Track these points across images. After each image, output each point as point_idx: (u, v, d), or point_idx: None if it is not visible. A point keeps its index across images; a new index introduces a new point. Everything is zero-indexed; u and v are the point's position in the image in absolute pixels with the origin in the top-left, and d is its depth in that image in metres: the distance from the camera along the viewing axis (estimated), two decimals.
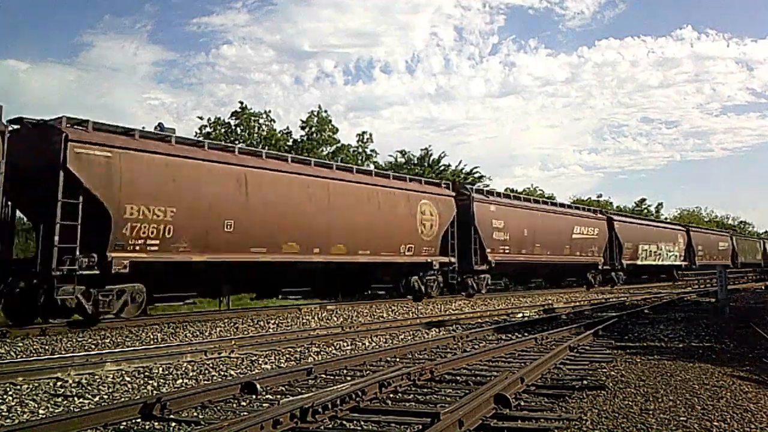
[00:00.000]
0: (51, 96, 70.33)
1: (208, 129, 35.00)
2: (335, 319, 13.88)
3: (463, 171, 41.99)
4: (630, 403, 5.34)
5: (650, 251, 34.12)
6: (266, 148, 31.01)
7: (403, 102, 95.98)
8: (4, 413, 5.22)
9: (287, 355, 8.38)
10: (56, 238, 10.75)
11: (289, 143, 36.30)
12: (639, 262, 32.87)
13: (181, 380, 6.72)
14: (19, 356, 8.45)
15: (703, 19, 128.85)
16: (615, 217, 31.67)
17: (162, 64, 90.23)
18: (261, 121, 36.28)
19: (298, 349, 8.87)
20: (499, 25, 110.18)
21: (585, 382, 6.21)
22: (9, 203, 11.77)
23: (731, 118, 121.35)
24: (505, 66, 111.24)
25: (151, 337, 10.56)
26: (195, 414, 5.11)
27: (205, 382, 6.60)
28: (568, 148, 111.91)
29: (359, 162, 35.85)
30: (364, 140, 39.18)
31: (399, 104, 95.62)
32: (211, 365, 7.56)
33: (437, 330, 11.54)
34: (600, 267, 29.05)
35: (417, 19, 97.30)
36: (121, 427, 4.73)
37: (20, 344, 9.51)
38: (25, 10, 78.86)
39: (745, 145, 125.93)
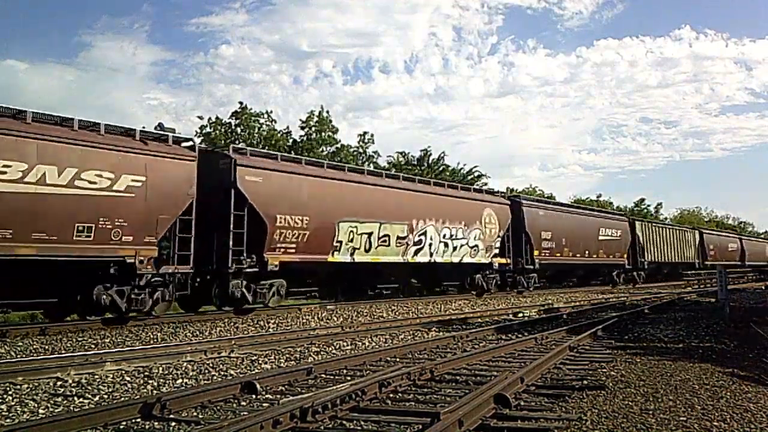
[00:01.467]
0: (51, 96, 70.22)
1: (208, 129, 35.02)
2: (335, 319, 13.87)
3: (462, 171, 41.99)
4: (630, 403, 5.34)
5: (388, 237, 17.49)
6: (266, 147, 31.09)
7: (402, 102, 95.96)
8: (4, 413, 5.22)
9: (287, 355, 8.38)
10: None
11: (289, 143, 36.30)
12: (346, 258, 16.28)
13: (181, 380, 6.72)
14: (19, 356, 8.46)
15: (702, 19, 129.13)
16: (240, 161, 13.87)
17: (161, 64, 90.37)
18: (261, 121, 36.31)
19: (298, 349, 8.87)
20: (498, 25, 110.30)
21: (585, 382, 6.20)
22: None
23: (730, 118, 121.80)
24: (503, 66, 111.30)
25: (151, 336, 10.56)
26: (195, 414, 5.11)
27: (205, 381, 6.60)
28: (567, 148, 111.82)
29: (359, 163, 35.81)
30: (365, 141, 39.19)
31: (398, 104, 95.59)
32: (211, 365, 7.56)
33: (437, 330, 11.54)
34: (144, 271, 11.92)
35: (415, 19, 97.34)
36: (121, 426, 4.73)
37: (20, 344, 9.51)
38: (24, 10, 78.86)
39: (745, 145, 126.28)
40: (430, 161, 41.34)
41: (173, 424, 4.79)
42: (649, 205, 65.71)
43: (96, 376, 6.74)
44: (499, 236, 22.10)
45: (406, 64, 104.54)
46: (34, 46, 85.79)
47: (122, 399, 5.74)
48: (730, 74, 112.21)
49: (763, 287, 29.44)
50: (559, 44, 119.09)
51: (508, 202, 23.26)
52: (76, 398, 5.77)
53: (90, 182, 11.10)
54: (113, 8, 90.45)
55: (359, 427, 4.67)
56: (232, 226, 13.47)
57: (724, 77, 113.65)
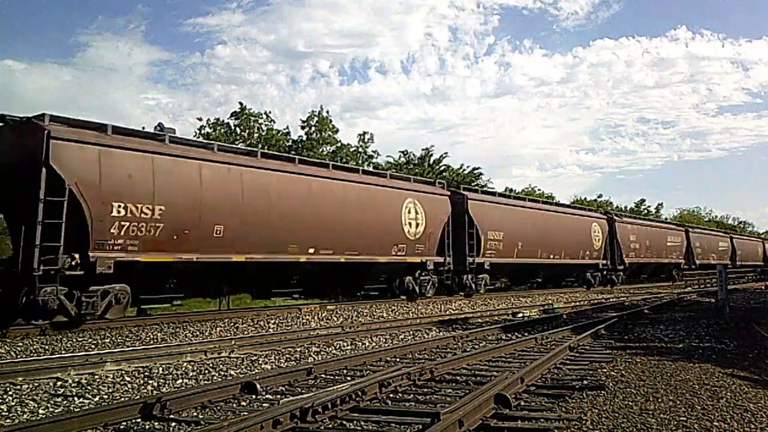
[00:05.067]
0: (49, 96, 70.19)
1: (207, 129, 35.05)
2: (335, 319, 13.87)
3: (464, 171, 42.02)
4: (630, 403, 5.34)
5: None
6: (266, 147, 31.12)
7: (399, 102, 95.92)
8: (4, 413, 5.22)
9: (287, 355, 8.38)
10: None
11: (289, 143, 36.32)
12: None
13: (181, 380, 6.72)
14: (19, 356, 8.45)
15: (698, 20, 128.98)
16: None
17: (158, 64, 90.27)
18: (261, 121, 36.33)
19: (298, 349, 8.87)
20: (494, 26, 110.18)
21: (585, 382, 6.20)
22: None
23: (727, 119, 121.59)
24: (500, 66, 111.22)
25: (151, 337, 10.56)
26: (195, 414, 5.11)
27: (205, 382, 6.60)
28: (565, 149, 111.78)
29: (359, 162, 35.86)
30: (365, 140, 39.25)
31: (395, 104, 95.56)
32: (211, 365, 7.56)
33: (437, 330, 11.55)
34: None
35: (411, 20, 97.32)
36: (121, 427, 4.73)
37: (20, 344, 9.51)
38: (22, 10, 78.88)
39: (742, 146, 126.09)
40: (431, 161, 41.37)
41: (173, 424, 4.79)
42: (649, 206, 65.87)
43: (96, 376, 6.74)
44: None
45: (402, 65, 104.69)
46: (32, 45, 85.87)
47: (122, 399, 5.74)
48: (727, 74, 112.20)
49: (763, 287, 29.45)
50: (556, 44, 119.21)
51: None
52: (76, 398, 5.77)
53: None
54: (108, 8, 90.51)
55: (359, 427, 4.67)
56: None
57: (721, 77, 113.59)
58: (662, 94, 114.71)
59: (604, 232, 29.25)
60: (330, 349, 9.06)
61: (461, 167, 42.62)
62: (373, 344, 9.64)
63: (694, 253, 38.55)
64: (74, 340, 10.10)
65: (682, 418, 4.82)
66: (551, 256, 25.17)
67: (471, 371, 6.93)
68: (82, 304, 10.99)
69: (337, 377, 6.67)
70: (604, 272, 29.23)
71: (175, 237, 12.13)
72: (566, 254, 26.11)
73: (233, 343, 9.18)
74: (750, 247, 51.30)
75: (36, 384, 6.30)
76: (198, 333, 11.10)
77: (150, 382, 6.56)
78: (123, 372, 7.00)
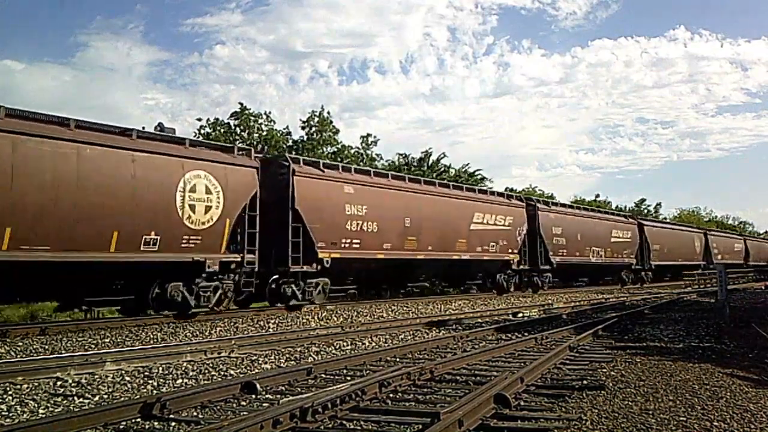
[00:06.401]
0: (49, 96, 70.23)
1: (207, 129, 35.05)
2: (335, 319, 13.88)
3: (466, 172, 41.98)
4: (630, 403, 5.34)
5: None
6: (266, 147, 31.11)
7: (398, 102, 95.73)
8: (4, 413, 5.22)
9: (287, 355, 8.38)
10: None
11: (289, 143, 36.33)
12: None
13: (181, 380, 6.73)
14: (19, 356, 8.46)
15: (696, 20, 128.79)
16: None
17: (157, 64, 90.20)
18: (261, 121, 36.33)
19: (298, 349, 8.87)
20: (492, 26, 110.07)
21: (585, 382, 6.20)
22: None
23: (727, 119, 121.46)
24: (499, 66, 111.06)
25: (151, 336, 10.56)
26: (195, 414, 5.11)
27: (205, 381, 6.60)
28: (564, 149, 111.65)
29: (360, 164, 35.84)
30: (369, 143, 39.26)
31: (394, 104, 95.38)
32: (211, 365, 7.56)
33: (437, 330, 11.55)
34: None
35: (410, 20, 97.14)
36: (121, 426, 4.73)
37: (20, 344, 9.51)
38: (21, 10, 78.91)
39: (742, 146, 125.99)
40: (430, 162, 41.35)
41: (173, 424, 4.79)
42: (649, 206, 65.88)
43: (96, 376, 6.74)
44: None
45: (401, 65, 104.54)
46: (32, 45, 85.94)
47: (122, 399, 5.74)
48: (726, 74, 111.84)
49: (763, 287, 29.46)
50: (554, 44, 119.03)
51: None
52: (76, 398, 5.77)
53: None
54: (107, 8, 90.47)
55: (359, 427, 4.67)
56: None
57: (720, 77, 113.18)
58: (661, 94, 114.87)
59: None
60: (330, 349, 9.06)
61: (462, 167, 42.56)
62: (373, 344, 9.64)
63: (548, 246, 24.90)
64: (74, 339, 10.10)
65: (682, 418, 4.82)
66: None
67: (471, 371, 6.94)
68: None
69: (337, 377, 6.68)
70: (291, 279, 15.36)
71: None
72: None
73: (233, 342, 9.18)
74: (683, 241, 37.90)
75: (36, 384, 6.30)
76: (198, 333, 11.10)
77: (150, 382, 6.56)
78: (123, 372, 7.00)
